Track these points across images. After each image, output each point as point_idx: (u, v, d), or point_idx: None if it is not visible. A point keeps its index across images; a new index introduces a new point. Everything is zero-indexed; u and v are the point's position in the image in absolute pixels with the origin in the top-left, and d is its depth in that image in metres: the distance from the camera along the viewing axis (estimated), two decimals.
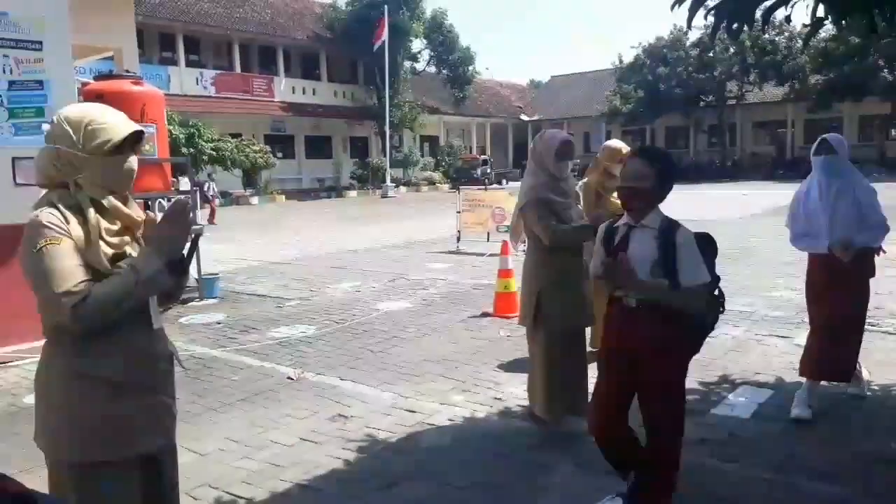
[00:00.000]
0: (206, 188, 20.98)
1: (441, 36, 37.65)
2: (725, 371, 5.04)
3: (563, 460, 3.60)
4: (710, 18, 4.21)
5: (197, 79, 30.43)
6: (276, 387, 4.96)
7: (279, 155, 31.80)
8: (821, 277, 4.20)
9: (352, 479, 3.49)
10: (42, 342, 2.05)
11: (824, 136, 4.19)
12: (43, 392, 2.00)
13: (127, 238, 2.03)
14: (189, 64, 31.05)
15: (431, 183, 37.45)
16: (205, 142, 24.68)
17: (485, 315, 7.07)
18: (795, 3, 3.91)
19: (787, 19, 4.61)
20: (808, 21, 4.15)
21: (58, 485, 2.00)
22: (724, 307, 2.90)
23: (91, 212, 1.93)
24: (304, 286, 9.12)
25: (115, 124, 1.97)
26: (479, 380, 5.03)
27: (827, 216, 4.01)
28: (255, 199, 28.26)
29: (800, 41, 33.40)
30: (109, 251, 1.94)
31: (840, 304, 4.12)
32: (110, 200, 1.99)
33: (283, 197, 30.02)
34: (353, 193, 33.12)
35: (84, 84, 7.34)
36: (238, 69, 32.76)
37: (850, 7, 3.78)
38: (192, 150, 23.29)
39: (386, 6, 31.57)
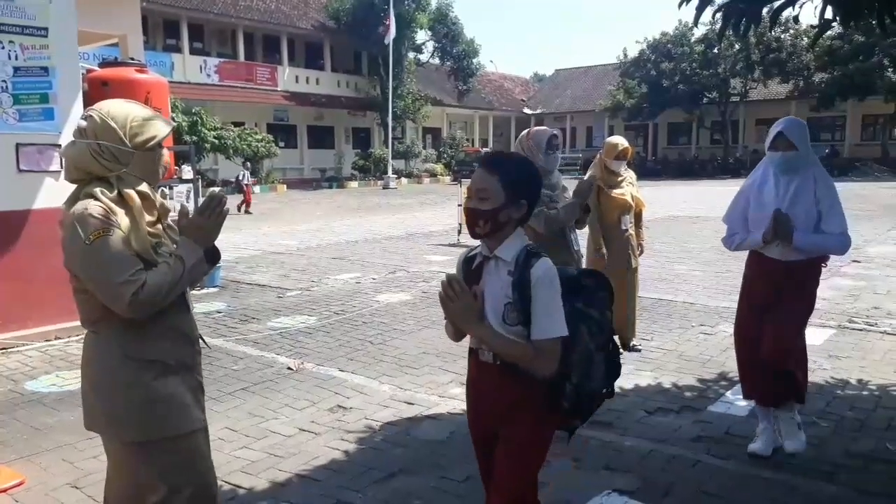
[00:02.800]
0: (240, 177, 20.92)
1: (446, 28, 37.48)
2: (723, 369, 5.05)
3: (560, 456, 3.61)
4: (718, 17, 4.23)
5: (200, 66, 30.31)
6: (275, 377, 4.99)
7: (281, 144, 31.72)
8: (766, 285, 3.55)
9: (350, 470, 3.51)
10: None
11: (780, 127, 3.42)
12: (97, 379, 2.07)
13: (160, 226, 2.13)
14: (193, 51, 30.91)
15: (433, 175, 37.40)
16: (208, 130, 24.61)
17: None
18: (804, 3, 3.91)
19: (795, 20, 4.61)
20: (814, 19, 4.16)
21: (122, 464, 2.11)
22: (618, 370, 2.24)
23: (138, 202, 2.03)
24: (305, 276, 9.14)
25: (156, 121, 2.09)
26: None
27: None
28: (256, 188, 28.20)
29: (805, 39, 33.29)
30: (152, 240, 2.05)
31: (792, 312, 3.52)
32: (151, 191, 2.10)
33: (285, 186, 29.99)
34: (354, 184, 33.09)
35: (88, 71, 7.32)
36: (242, 57, 32.65)
37: (859, 9, 3.78)
38: (194, 137, 23.24)
39: None
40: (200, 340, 2.30)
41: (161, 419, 2.05)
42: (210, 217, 2.11)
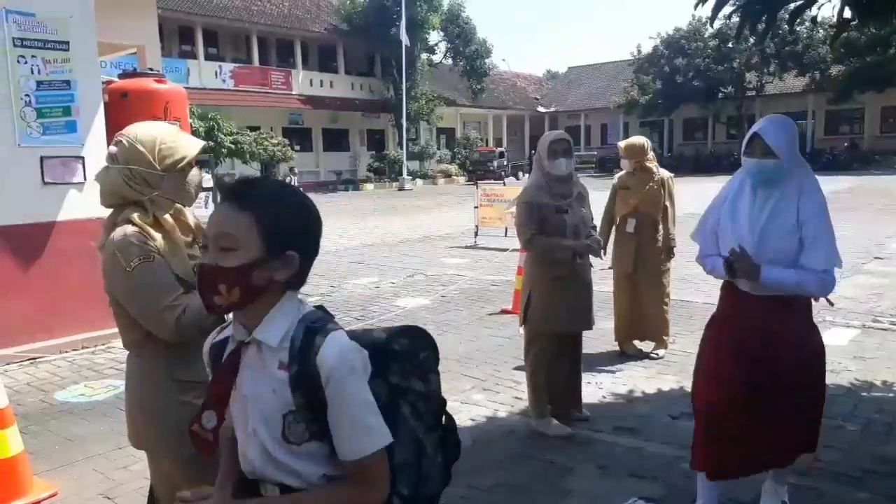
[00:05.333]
0: (288, 182, 20.91)
1: (458, 28, 37.52)
2: None
3: (585, 462, 3.62)
4: (735, 16, 4.22)
5: (216, 72, 30.56)
6: None
7: (297, 148, 31.88)
8: (743, 329, 2.82)
9: None
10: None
11: (757, 128, 2.73)
12: (143, 401, 2.10)
13: (196, 247, 2.14)
14: (208, 57, 31.18)
15: (448, 175, 37.45)
16: (224, 135, 24.80)
17: (504, 312, 7.10)
18: (822, 4, 3.88)
19: (814, 21, 4.58)
20: (830, 14, 4.14)
21: (181, 481, 2.10)
22: (457, 451, 1.64)
23: (174, 226, 2.05)
24: (325, 281, 9.19)
25: (185, 141, 2.10)
26: (499, 378, 5.06)
27: (751, 243, 2.70)
28: None
29: (821, 31, 32.92)
30: (190, 262, 2.06)
31: (782, 364, 2.74)
32: (185, 212, 2.12)
33: (301, 190, 30.13)
34: (369, 186, 33.20)
35: (108, 82, 7.41)
36: (256, 62, 32.85)
37: (877, 9, 3.75)
38: (211, 143, 23.42)
39: None
40: None
41: None
42: None
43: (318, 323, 1.40)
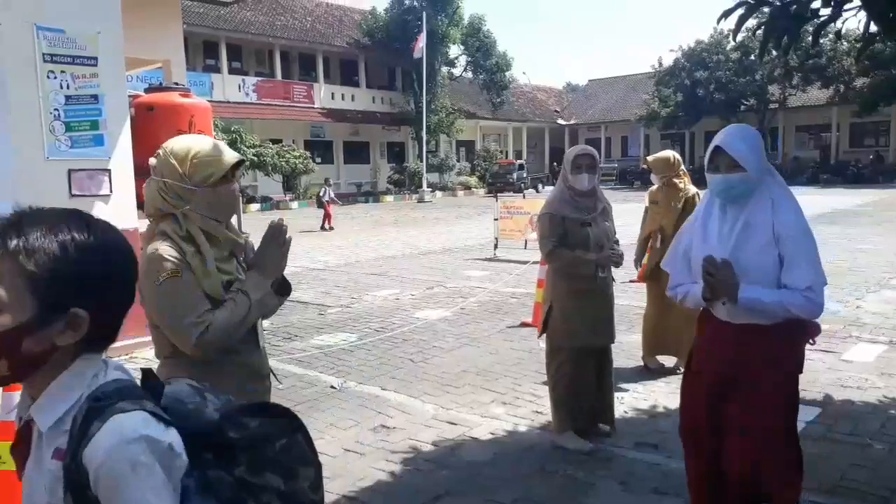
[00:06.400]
0: (321, 193, 20.54)
1: (478, 41, 37.74)
2: None
3: (607, 478, 3.59)
4: (759, 32, 4.20)
5: (239, 86, 30.97)
6: (319, 396, 5.05)
7: (318, 160, 32.17)
8: (717, 361, 2.56)
9: (397, 492, 3.54)
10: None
11: (718, 140, 2.51)
12: None
13: (234, 263, 2.13)
14: (231, 71, 31.63)
15: (467, 188, 37.55)
16: (247, 147, 25.13)
17: (524, 325, 7.07)
18: (847, 19, 3.86)
19: (838, 35, 4.54)
20: (853, 26, 4.12)
21: None
22: None
23: (204, 242, 2.02)
24: (345, 293, 9.24)
25: (218, 156, 2.06)
26: (519, 392, 5.04)
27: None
28: (294, 204, 28.63)
29: (845, 43, 32.60)
30: (224, 278, 2.05)
31: (762, 406, 2.47)
32: (218, 228, 2.08)
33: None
34: (390, 198, 33.36)
35: (134, 96, 7.55)
36: (279, 76, 33.28)
37: None
38: None
39: (424, 13, 31.80)
40: (272, 376, 2.30)
41: None
42: (273, 247, 2.09)
43: (104, 401, 1.03)
